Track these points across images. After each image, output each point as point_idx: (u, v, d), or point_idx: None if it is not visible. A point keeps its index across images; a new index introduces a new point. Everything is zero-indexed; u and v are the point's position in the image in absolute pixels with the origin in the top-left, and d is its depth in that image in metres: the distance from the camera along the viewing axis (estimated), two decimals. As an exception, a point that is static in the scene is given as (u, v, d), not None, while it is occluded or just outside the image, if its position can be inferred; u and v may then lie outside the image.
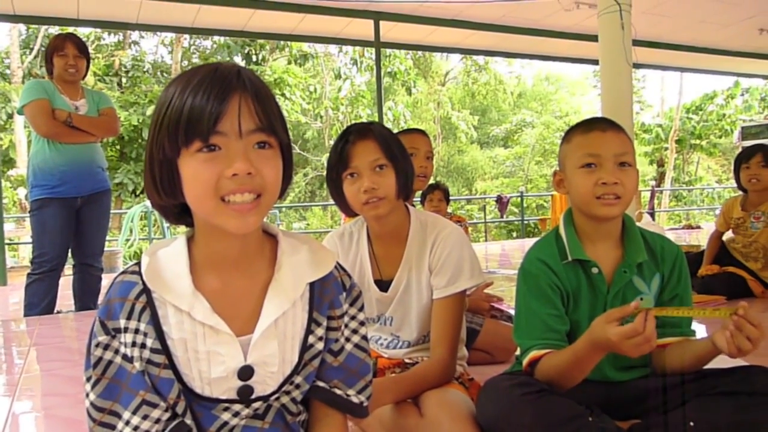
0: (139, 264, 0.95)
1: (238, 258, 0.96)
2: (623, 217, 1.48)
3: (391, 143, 1.56)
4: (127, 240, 8.97)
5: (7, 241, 6.88)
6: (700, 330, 2.86)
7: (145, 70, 17.44)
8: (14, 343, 3.31)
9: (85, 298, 3.92)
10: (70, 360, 2.75)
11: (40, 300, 3.70)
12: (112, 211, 4.04)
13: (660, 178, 20.56)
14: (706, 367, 1.37)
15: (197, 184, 0.87)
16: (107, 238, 4.10)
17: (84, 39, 3.70)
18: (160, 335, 0.91)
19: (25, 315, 3.75)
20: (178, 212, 0.96)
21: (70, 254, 3.85)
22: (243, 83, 0.88)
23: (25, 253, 10.86)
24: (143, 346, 0.90)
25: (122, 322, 0.91)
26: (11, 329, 3.69)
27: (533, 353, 1.38)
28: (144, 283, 0.92)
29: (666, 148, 20.88)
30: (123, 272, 0.95)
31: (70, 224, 3.72)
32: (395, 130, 1.87)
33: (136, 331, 0.91)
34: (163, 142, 0.88)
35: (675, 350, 1.39)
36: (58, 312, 3.92)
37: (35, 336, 3.31)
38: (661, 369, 1.44)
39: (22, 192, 11.63)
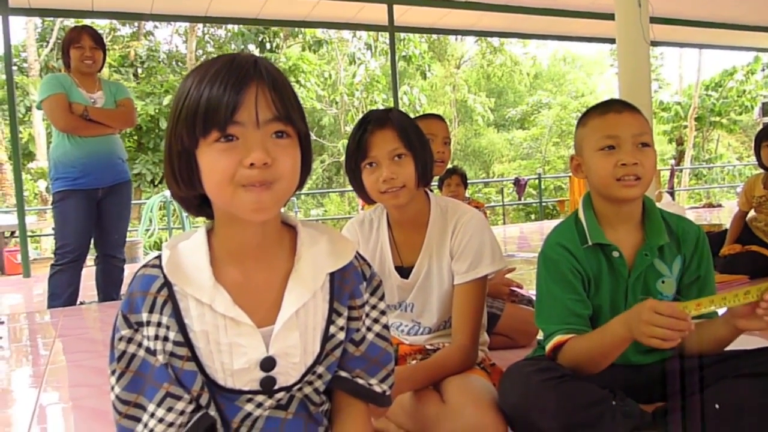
0: (159, 257, 0.95)
1: (257, 249, 0.96)
2: (644, 199, 1.46)
3: (409, 132, 1.55)
4: (147, 230, 9.04)
5: (29, 233, 6.97)
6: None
7: (160, 60, 17.50)
8: (39, 335, 3.37)
9: (108, 288, 3.97)
10: (95, 351, 2.79)
11: (63, 291, 3.76)
12: (132, 202, 4.09)
13: (680, 157, 20.27)
14: (728, 348, 1.35)
15: (215, 174, 0.87)
16: (128, 228, 4.14)
17: (100, 30, 3.72)
18: (182, 328, 0.92)
19: (49, 306, 3.81)
20: (198, 204, 0.97)
21: (92, 246, 3.91)
22: (260, 73, 0.88)
23: (47, 245, 11.00)
24: (166, 339, 0.91)
25: (144, 316, 0.91)
26: (36, 321, 3.75)
27: (557, 338, 1.37)
28: (165, 277, 0.92)
29: (685, 126, 20.59)
30: (144, 266, 0.96)
31: (92, 215, 3.77)
32: (411, 115, 1.85)
33: (159, 324, 0.91)
34: (181, 133, 0.88)
35: (693, 334, 1.37)
36: (81, 303, 3.97)
37: (60, 327, 3.36)
38: (683, 351, 1.42)
39: (42, 184, 11.80)
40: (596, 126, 1.43)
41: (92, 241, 3.88)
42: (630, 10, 4.57)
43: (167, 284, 0.92)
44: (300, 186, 0.96)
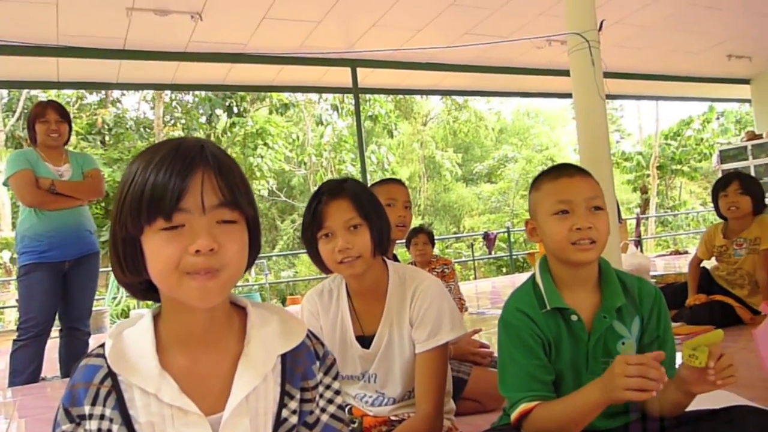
0: (103, 346, 0.93)
1: (205, 333, 0.94)
2: (599, 261, 1.47)
3: (364, 201, 1.56)
4: (114, 298, 8.87)
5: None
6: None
7: (128, 126, 17.52)
8: (-2, 416, 3.23)
9: (70, 363, 3.86)
10: (54, 433, 2.67)
11: (25, 367, 3.65)
12: (99, 272, 4.02)
13: (644, 205, 20.72)
14: (689, 408, 1.35)
15: (160, 261, 0.87)
16: (94, 300, 4.07)
17: (67, 99, 3.76)
18: (127, 420, 0.89)
19: (10, 384, 3.68)
20: (144, 288, 0.95)
21: (57, 317, 3.81)
22: (206, 158, 0.88)
23: (11, 317, 10.68)
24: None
25: (87, 409, 0.89)
26: (-5, 400, 3.60)
27: (523, 406, 1.35)
28: (109, 366, 0.90)
29: (648, 175, 21.10)
30: (87, 355, 0.94)
31: (57, 288, 3.70)
32: (379, 174, 1.87)
33: (102, 417, 0.88)
34: (125, 220, 0.87)
35: (659, 394, 1.37)
36: (44, 378, 3.84)
37: (19, 407, 3.23)
38: (646, 414, 1.42)
39: (6, 255, 11.53)
40: (549, 190, 1.45)
41: (57, 314, 3.79)
42: (584, 68, 4.71)
43: (111, 374, 0.90)
44: (248, 268, 0.96)
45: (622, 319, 1.44)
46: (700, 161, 20.94)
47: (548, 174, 1.49)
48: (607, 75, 5.06)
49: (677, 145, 21.00)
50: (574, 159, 22.01)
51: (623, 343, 1.43)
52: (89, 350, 2.89)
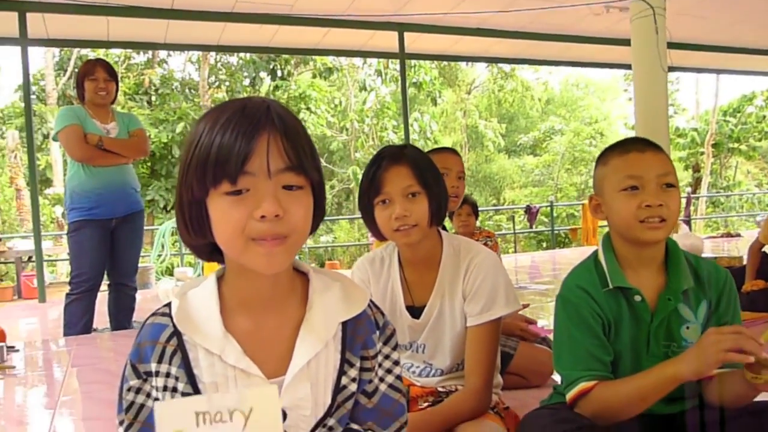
0: (169, 305, 0.93)
1: (269, 297, 0.94)
2: (667, 241, 1.41)
3: (424, 169, 1.53)
4: (159, 255, 9.07)
5: (45, 257, 7.02)
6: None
7: (173, 87, 17.71)
8: (54, 364, 3.36)
9: (119, 317, 4.00)
10: (107, 383, 2.76)
11: (78, 320, 3.79)
12: (144, 229, 4.13)
13: (696, 184, 20.09)
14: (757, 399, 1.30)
15: (225, 226, 0.86)
16: (140, 257, 4.19)
17: (115, 59, 3.82)
18: (192, 379, 0.89)
19: (65, 334, 3.84)
20: (209, 251, 0.95)
21: (105, 274, 3.93)
22: (272, 121, 0.86)
23: (63, 269, 11.06)
24: (174, 390, 0.89)
25: (153, 366, 0.89)
26: (51, 349, 3.75)
27: (582, 385, 1.31)
28: (174, 326, 0.90)
29: (702, 153, 20.40)
30: (153, 314, 0.94)
31: (106, 245, 3.82)
32: (421, 142, 1.84)
33: (168, 374, 0.89)
34: (191, 182, 0.86)
35: (718, 383, 1.32)
36: (95, 330, 3.99)
37: (73, 356, 3.35)
38: (704, 402, 1.37)
39: (59, 210, 11.90)
40: (617, 165, 1.38)
41: (105, 269, 3.90)
42: (647, 37, 4.53)
43: (177, 334, 0.91)
44: (312, 232, 0.94)
45: (688, 302, 1.37)
46: (759, 140, 20.17)
47: (617, 148, 1.42)
48: (670, 45, 4.86)
49: (736, 122, 20.22)
50: (623, 133, 21.45)
51: (687, 328, 1.37)
52: (135, 305, 2.98)
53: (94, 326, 3.97)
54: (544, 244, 16.26)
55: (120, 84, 4.00)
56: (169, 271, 9.75)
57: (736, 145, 20.21)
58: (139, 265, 4.38)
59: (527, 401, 1.94)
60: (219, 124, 0.85)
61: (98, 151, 3.69)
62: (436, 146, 18.85)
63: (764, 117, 19.73)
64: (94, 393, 2.64)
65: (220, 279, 0.96)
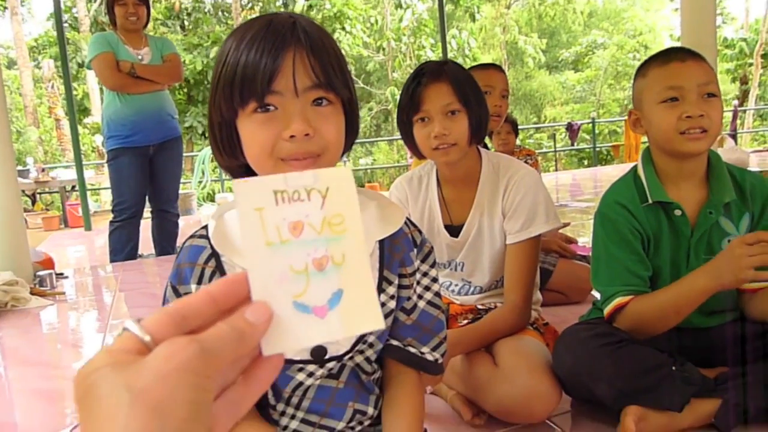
0: (206, 227, 0.94)
1: None
2: (709, 153, 1.37)
3: (465, 86, 1.48)
4: (200, 182, 9.22)
5: (88, 186, 7.19)
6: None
7: (206, 11, 17.48)
8: (102, 288, 3.50)
9: (163, 242, 4.09)
10: (154, 306, 2.87)
11: (123, 246, 3.90)
12: (184, 155, 4.15)
13: (743, 97, 19.29)
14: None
15: (255, 146, 0.85)
16: (182, 181, 4.23)
17: (144, -16, 3.73)
18: None
19: (111, 261, 3.96)
20: (243, 172, 0.94)
21: (147, 201, 4.01)
22: (297, 37, 0.83)
23: (107, 197, 11.36)
24: None
25: (193, 287, 0.91)
26: (99, 275, 3.89)
27: (618, 299, 1.32)
28: (212, 247, 0.91)
29: (750, 64, 19.47)
30: (191, 236, 0.95)
31: (145, 172, 3.85)
32: (460, 60, 1.78)
33: None
34: (219, 103, 0.85)
35: (758, 300, 1.30)
36: (140, 256, 4.10)
37: (120, 281, 3.48)
38: (749, 314, 1.35)
39: (99, 139, 12.12)
40: (657, 77, 1.33)
41: (147, 197, 3.97)
42: (694, -59, 4.26)
43: (215, 255, 0.92)
44: (345, 151, 0.93)
45: (729, 215, 1.35)
46: (812, 49, 19.10)
47: (656, 59, 1.36)
48: (721, -52, 4.54)
49: (787, 30, 19.13)
50: (669, 45, 20.52)
51: (729, 241, 1.35)
52: (178, 230, 3.03)
53: (140, 252, 4.08)
54: (586, 162, 15.96)
55: (151, 8, 3.91)
56: (211, 197, 9.92)
57: (786, 55, 19.19)
58: (181, 191, 4.45)
59: (567, 317, 1.95)
60: (245, 42, 0.83)
61: (131, 78, 3.67)
62: (474, 63, 18.41)
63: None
64: (141, 316, 2.74)
65: (256, 200, 0.96)
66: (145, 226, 4.05)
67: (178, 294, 0.92)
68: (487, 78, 2.22)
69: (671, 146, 1.32)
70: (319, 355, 0.93)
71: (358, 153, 18.05)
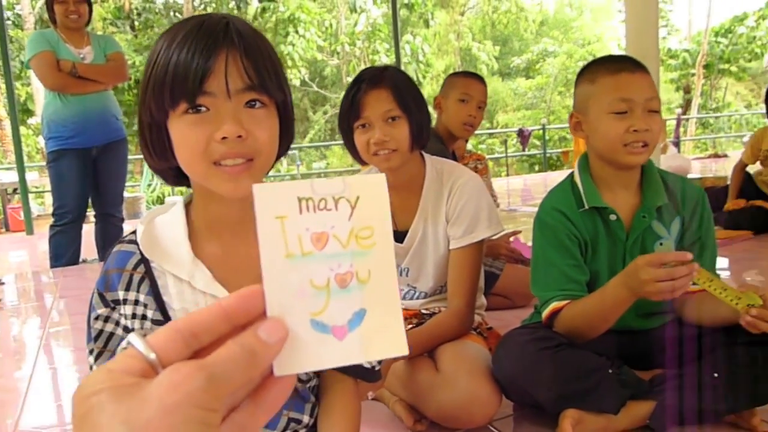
0: (135, 233, 0.91)
1: (238, 222, 0.91)
2: (642, 161, 1.41)
3: (405, 92, 1.48)
4: (150, 185, 9.02)
5: (32, 189, 6.95)
6: (722, 262, 2.81)
7: (157, 11, 17.15)
8: (44, 295, 3.38)
9: (107, 247, 3.93)
10: (95, 312, 2.79)
11: (64, 251, 3.77)
12: (133, 157, 4.05)
13: (686, 105, 19.99)
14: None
15: (186, 149, 0.82)
16: (130, 184, 4.14)
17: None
18: (161, 306, 0.88)
19: (52, 266, 3.83)
20: (174, 175, 0.92)
21: (91, 205, 3.89)
22: (231, 38, 0.81)
23: (51, 200, 11.01)
24: (144, 317, 0.88)
25: (121, 294, 0.88)
26: (41, 280, 3.77)
27: (554, 304, 1.34)
28: (141, 253, 0.88)
29: (693, 74, 20.21)
30: (120, 241, 0.92)
31: (87, 175, 3.73)
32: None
33: (136, 302, 0.88)
34: (150, 103, 0.83)
35: (694, 304, 1.33)
36: (84, 261, 3.98)
37: (61, 288, 3.37)
38: (685, 317, 1.39)
39: (42, 140, 11.75)
40: (609, 86, 1.34)
41: (90, 200, 3.85)
42: (638, -46, 4.38)
43: (144, 260, 0.89)
44: (280, 156, 0.91)
45: (661, 219, 1.39)
46: (749, 61, 19.93)
47: (605, 66, 1.38)
48: (663, -38, 4.69)
49: (727, 43, 19.92)
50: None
51: (661, 244, 1.39)
52: (122, 235, 2.95)
53: (83, 257, 3.95)
54: (537, 167, 16.23)
55: (93, 5, 3.78)
56: (161, 201, 9.70)
57: (726, 66, 20.01)
58: (129, 194, 4.34)
59: (511, 321, 1.96)
60: (176, 42, 0.81)
61: (73, 78, 3.53)
62: (428, 69, 18.61)
63: (755, 38, 19.44)
64: (81, 323, 2.64)
65: (187, 205, 0.93)
66: (89, 230, 3.94)
67: (105, 301, 0.89)
68: (465, 86, 2.23)
69: (613, 157, 1.35)
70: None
71: (313, 156, 17.96)
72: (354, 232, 0.38)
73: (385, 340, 0.37)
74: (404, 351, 0.37)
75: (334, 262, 0.38)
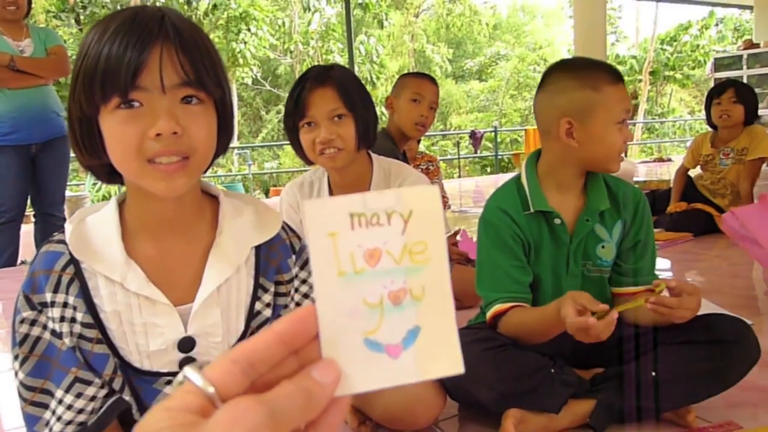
0: (64, 233, 0.87)
1: (174, 221, 0.89)
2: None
3: (351, 91, 1.48)
4: (95, 184, 8.76)
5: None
6: (663, 264, 2.89)
7: (103, 5, 16.66)
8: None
9: (47, 248, 3.83)
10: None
11: (1, 252, 3.63)
12: (71, 156, 3.91)
13: (633, 111, 20.59)
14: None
15: (118, 146, 0.80)
16: (74, 183, 4.00)
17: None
18: (92, 308, 0.85)
19: (-13, 267, 3.66)
20: (107, 171, 0.89)
21: (30, 204, 3.75)
22: (166, 31, 0.79)
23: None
24: (73, 320, 0.85)
25: (48, 296, 0.85)
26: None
27: (498, 306, 1.35)
28: (71, 253, 0.85)
29: (639, 81, 20.83)
30: (48, 241, 0.89)
31: (26, 173, 3.59)
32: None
33: (65, 304, 0.85)
34: (80, 97, 0.80)
35: (630, 312, 1.36)
36: (23, 262, 3.83)
37: (-3, 289, 3.23)
38: (624, 317, 1.42)
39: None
40: (615, 97, 1.33)
41: (30, 199, 3.72)
42: (587, -39, 4.49)
43: (73, 261, 0.86)
44: (218, 154, 0.89)
45: (604, 222, 1.41)
46: (693, 68, 20.67)
47: (604, 73, 1.34)
48: (610, -31, 4.82)
49: (672, 50, 20.62)
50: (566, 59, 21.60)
51: (603, 247, 1.41)
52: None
53: (22, 258, 3.80)
54: (488, 169, 16.45)
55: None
56: (106, 200, 9.45)
57: (671, 73, 20.73)
58: (73, 193, 4.21)
59: (459, 322, 1.96)
60: (108, 34, 0.79)
61: (10, 72, 3.39)
62: (382, 70, 18.65)
63: (698, 46, 20.17)
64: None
65: (121, 203, 0.90)
66: (28, 230, 3.79)
67: (31, 303, 0.85)
68: (418, 86, 2.23)
69: (606, 165, 1.37)
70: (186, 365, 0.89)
71: (265, 156, 17.76)
72: (407, 248, 0.37)
73: (440, 358, 0.37)
74: (460, 369, 0.36)
75: (388, 279, 0.36)
